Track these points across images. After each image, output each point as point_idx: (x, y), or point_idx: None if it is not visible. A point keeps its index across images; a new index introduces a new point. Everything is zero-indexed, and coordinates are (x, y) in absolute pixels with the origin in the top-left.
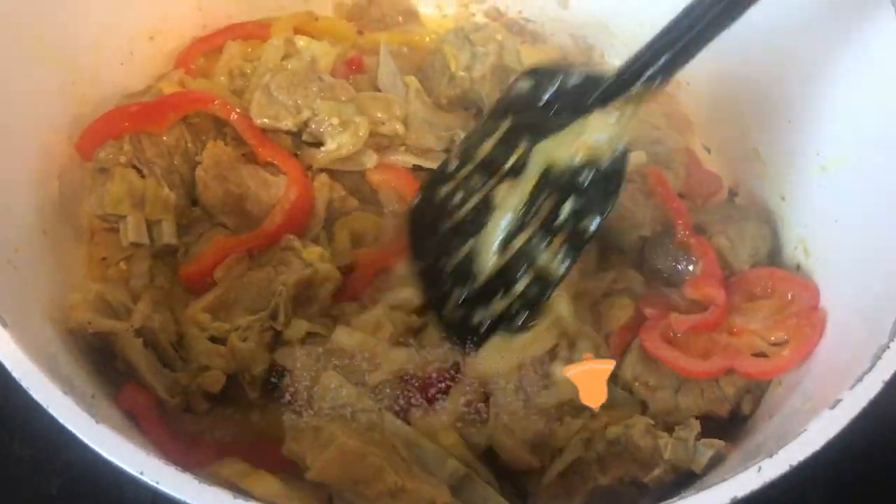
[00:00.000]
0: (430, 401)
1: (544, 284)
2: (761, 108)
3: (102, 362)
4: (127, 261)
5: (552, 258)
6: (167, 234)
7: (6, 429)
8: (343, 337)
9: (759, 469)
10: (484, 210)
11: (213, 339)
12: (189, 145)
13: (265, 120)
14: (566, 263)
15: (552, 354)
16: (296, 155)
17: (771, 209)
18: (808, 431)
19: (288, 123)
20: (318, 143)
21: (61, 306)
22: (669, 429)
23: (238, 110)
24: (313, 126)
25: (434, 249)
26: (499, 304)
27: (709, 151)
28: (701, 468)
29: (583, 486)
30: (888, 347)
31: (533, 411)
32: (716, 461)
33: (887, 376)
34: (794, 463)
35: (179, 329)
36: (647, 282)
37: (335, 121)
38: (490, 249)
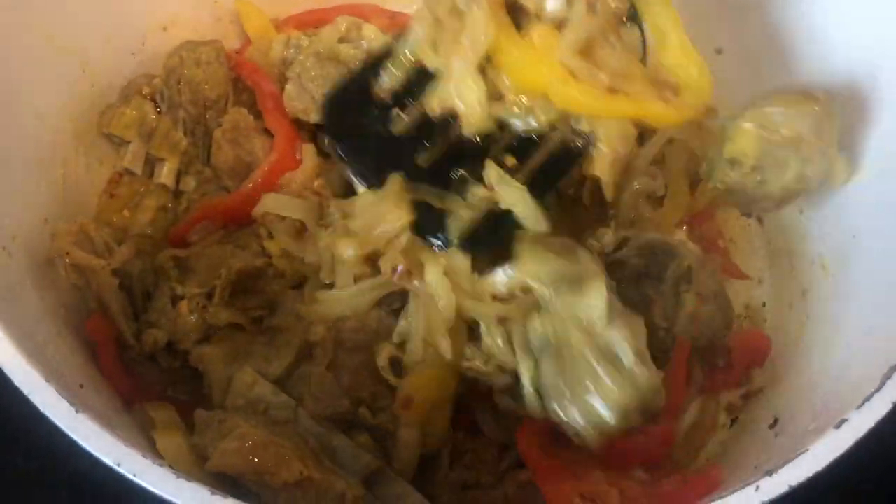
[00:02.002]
0: None
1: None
2: None
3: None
4: (132, 209)
5: None
6: (165, 174)
7: (9, 442)
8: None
9: (757, 488)
10: None
11: (174, 301)
12: (229, 105)
13: (296, 112)
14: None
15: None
16: (314, 141)
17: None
18: (809, 451)
19: (315, 117)
20: None
21: (58, 296)
22: None
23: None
24: None
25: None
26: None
27: None
28: None
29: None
30: None
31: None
32: None
33: None
34: (794, 483)
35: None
36: None
37: None
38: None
